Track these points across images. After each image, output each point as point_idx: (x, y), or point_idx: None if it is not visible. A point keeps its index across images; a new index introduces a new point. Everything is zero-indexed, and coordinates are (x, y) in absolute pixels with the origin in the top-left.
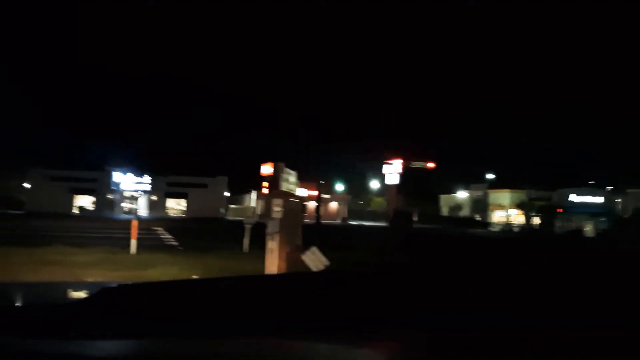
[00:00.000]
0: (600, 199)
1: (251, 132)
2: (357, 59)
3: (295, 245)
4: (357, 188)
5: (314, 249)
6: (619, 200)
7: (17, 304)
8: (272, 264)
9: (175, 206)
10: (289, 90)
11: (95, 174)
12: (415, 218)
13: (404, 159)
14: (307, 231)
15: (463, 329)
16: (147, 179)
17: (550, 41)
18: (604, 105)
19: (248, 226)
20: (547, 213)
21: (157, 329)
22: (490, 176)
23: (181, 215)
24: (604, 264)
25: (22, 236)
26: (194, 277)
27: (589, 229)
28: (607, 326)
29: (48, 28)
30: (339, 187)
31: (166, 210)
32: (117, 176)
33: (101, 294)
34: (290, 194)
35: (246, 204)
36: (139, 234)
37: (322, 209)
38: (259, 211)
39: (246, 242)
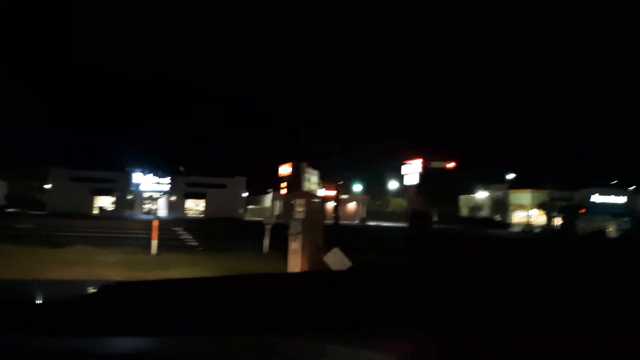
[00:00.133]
0: (623, 199)
1: (251, 132)
2: (358, 58)
3: (317, 246)
4: (375, 188)
5: (336, 250)
6: None
7: (17, 302)
8: (295, 265)
9: (194, 207)
10: (289, 90)
11: (115, 175)
12: (435, 218)
13: (423, 159)
14: (326, 232)
15: (468, 329)
16: (166, 179)
17: (566, 37)
18: (625, 104)
19: (268, 227)
20: (569, 213)
21: (157, 326)
22: (510, 176)
23: (200, 215)
24: (607, 263)
25: (44, 236)
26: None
27: (611, 229)
28: (608, 326)
29: (48, 28)
30: (357, 187)
31: (185, 211)
32: (136, 177)
33: (101, 292)
34: (312, 194)
35: (264, 204)
36: (159, 234)
37: (340, 210)
38: (277, 211)
39: (266, 242)
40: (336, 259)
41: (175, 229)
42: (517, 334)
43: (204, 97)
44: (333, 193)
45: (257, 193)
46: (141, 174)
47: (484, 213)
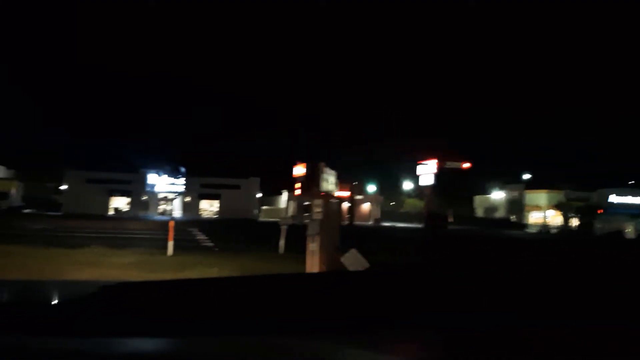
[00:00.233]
0: None
1: (251, 132)
2: (359, 58)
3: (334, 247)
4: (389, 189)
5: (354, 251)
6: None
7: (18, 302)
8: (314, 266)
9: (208, 207)
10: (289, 90)
11: (130, 176)
12: (450, 219)
13: (439, 159)
14: (341, 233)
15: (473, 328)
16: (181, 180)
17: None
18: None
19: (284, 227)
20: (586, 214)
21: (158, 327)
22: (526, 176)
23: (214, 216)
24: (612, 263)
25: (62, 237)
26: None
27: (629, 230)
28: (612, 325)
29: (48, 28)
30: (371, 188)
31: (199, 212)
32: (151, 178)
33: (102, 293)
34: (330, 195)
35: (278, 205)
36: (174, 235)
37: (354, 210)
38: (291, 212)
39: (282, 243)
40: (354, 260)
41: (190, 229)
42: (521, 333)
43: (204, 97)
44: (347, 194)
45: (270, 194)
46: (156, 175)
47: (500, 214)
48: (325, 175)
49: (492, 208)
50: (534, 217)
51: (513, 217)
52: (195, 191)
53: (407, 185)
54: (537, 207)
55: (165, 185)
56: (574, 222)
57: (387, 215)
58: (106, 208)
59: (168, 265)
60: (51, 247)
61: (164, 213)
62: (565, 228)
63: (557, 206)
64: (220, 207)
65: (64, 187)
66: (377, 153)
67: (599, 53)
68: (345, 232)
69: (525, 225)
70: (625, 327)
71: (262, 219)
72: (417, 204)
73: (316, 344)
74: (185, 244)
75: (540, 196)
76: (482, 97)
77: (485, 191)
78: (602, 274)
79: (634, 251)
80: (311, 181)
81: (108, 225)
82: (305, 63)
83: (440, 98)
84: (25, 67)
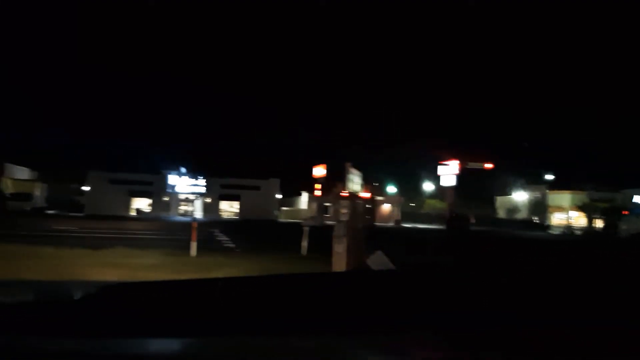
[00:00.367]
0: None
1: (251, 132)
2: (359, 58)
3: (360, 249)
4: (409, 190)
5: (379, 253)
6: None
7: (18, 302)
8: (340, 268)
9: (228, 208)
10: (289, 90)
11: (151, 177)
12: (472, 220)
13: (460, 160)
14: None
15: (473, 328)
16: (201, 181)
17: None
18: None
19: (306, 228)
20: (611, 215)
21: (158, 327)
22: (549, 177)
23: (234, 217)
24: (613, 263)
25: (85, 238)
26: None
27: None
28: (611, 325)
29: (48, 28)
30: (391, 189)
31: (220, 212)
32: (172, 179)
33: (102, 293)
34: (356, 196)
35: (298, 206)
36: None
37: (375, 211)
38: (310, 213)
39: (304, 244)
40: (379, 262)
41: (211, 230)
42: (521, 333)
43: (204, 97)
44: (368, 195)
45: (290, 195)
46: (177, 176)
47: (522, 215)
48: (351, 176)
49: (514, 209)
50: (557, 218)
51: (535, 219)
52: (216, 192)
53: (428, 186)
54: (560, 208)
55: (185, 187)
56: (598, 223)
57: (407, 216)
58: (128, 209)
59: (192, 267)
60: (75, 248)
61: (185, 214)
62: (589, 229)
63: (581, 207)
64: (241, 208)
65: (86, 188)
66: (397, 154)
67: (621, 49)
68: (367, 234)
69: (548, 227)
70: (625, 327)
71: (282, 219)
72: (438, 205)
73: (316, 344)
74: (207, 245)
75: (563, 197)
76: (504, 97)
77: (507, 192)
78: (602, 273)
79: (634, 251)
80: (332, 182)
81: (130, 226)
82: (305, 63)
83: (458, 98)
84: (25, 67)
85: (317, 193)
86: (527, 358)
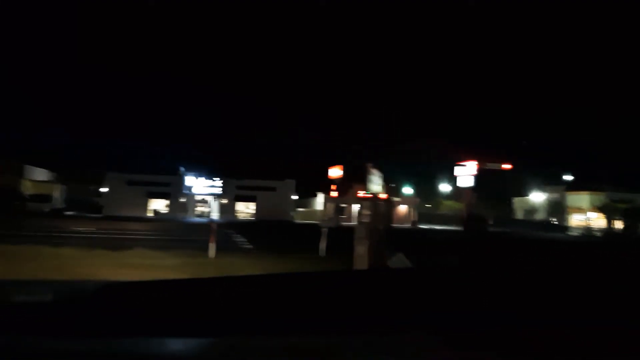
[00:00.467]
0: None
1: (251, 132)
2: (359, 58)
3: (382, 251)
4: (425, 191)
5: (400, 255)
6: None
7: (18, 302)
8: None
9: (244, 209)
10: (289, 90)
11: (169, 178)
12: (490, 222)
13: (478, 160)
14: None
15: (473, 328)
16: (218, 182)
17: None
18: None
19: (324, 230)
20: (631, 216)
21: (159, 327)
22: (567, 177)
23: (250, 218)
24: (613, 263)
25: (104, 239)
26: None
27: None
28: (611, 325)
29: (48, 28)
30: (407, 190)
31: (235, 213)
32: (189, 180)
33: (102, 292)
34: (377, 197)
35: (313, 207)
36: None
37: (391, 213)
38: (327, 214)
39: (323, 245)
40: (400, 264)
41: (228, 231)
42: (521, 333)
43: (204, 97)
44: (385, 196)
45: (305, 196)
46: (194, 177)
47: (540, 216)
48: (371, 177)
49: (532, 210)
50: (575, 220)
51: (554, 220)
52: (232, 193)
53: (444, 187)
54: (579, 209)
55: (202, 188)
56: (618, 224)
57: (423, 217)
58: (145, 210)
59: (212, 268)
60: (94, 249)
61: (201, 215)
62: (609, 231)
63: (600, 208)
64: (256, 209)
65: (104, 189)
66: (413, 154)
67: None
68: (388, 235)
69: (567, 228)
70: (625, 327)
71: (297, 221)
72: (454, 206)
73: (316, 343)
74: (225, 246)
75: (582, 198)
76: (522, 95)
77: (525, 193)
78: (602, 273)
79: (635, 251)
80: (348, 183)
81: (148, 227)
82: (305, 63)
83: (475, 98)
84: (26, 67)
85: (333, 194)
86: (527, 358)
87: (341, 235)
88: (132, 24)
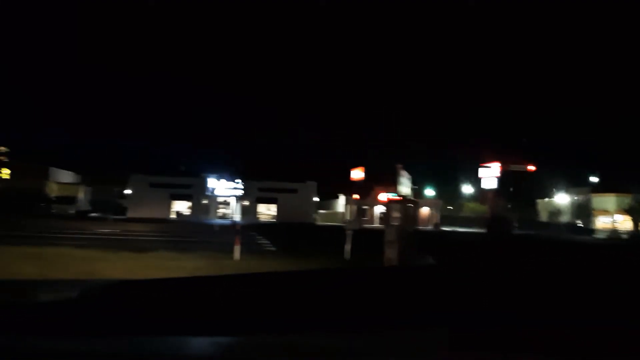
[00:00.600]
0: None
1: (251, 132)
2: (359, 58)
3: (412, 254)
4: (447, 193)
5: (430, 259)
6: None
7: (19, 302)
8: None
9: (266, 211)
10: (289, 90)
11: (191, 180)
12: (515, 224)
13: (502, 162)
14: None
15: (473, 328)
16: (239, 184)
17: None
18: None
19: (349, 232)
20: None
21: (159, 327)
22: (593, 179)
23: (271, 220)
24: (613, 264)
25: (129, 241)
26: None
27: None
28: (611, 325)
29: (48, 28)
30: (429, 192)
31: (257, 215)
32: (211, 182)
33: (103, 292)
34: (407, 200)
35: (335, 209)
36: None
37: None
38: (350, 216)
39: (348, 248)
40: None
41: (251, 233)
42: (521, 333)
43: (204, 97)
44: (412, 198)
45: (327, 197)
46: (215, 179)
47: (565, 218)
48: (401, 179)
49: (556, 212)
50: (601, 222)
51: (579, 222)
52: (253, 195)
53: (467, 189)
54: (605, 212)
55: (224, 189)
56: None
57: (446, 219)
58: (168, 212)
59: (237, 270)
60: (119, 251)
61: (223, 217)
62: (635, 233)
63: (627, 210)
64: (278, 210)
65: (128, 191)
66: (436, 156)
67: None
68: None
69: (593, 231)
70: (625, 327)
71: (319, 223)
72: (477, 208)
73: (316, 343)
74: (248, 248)
75: (608, 200)
76: (550, 96)
77: (550, 195)
78: (602, 274)
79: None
80: (369, 184)
81: (172, 229)
82: (305, 63)
83: (502, 99)
84: (26, 67)
85: (356, 196)
86: (527, 358)
87: (364, 238)
88: (132, 24)
